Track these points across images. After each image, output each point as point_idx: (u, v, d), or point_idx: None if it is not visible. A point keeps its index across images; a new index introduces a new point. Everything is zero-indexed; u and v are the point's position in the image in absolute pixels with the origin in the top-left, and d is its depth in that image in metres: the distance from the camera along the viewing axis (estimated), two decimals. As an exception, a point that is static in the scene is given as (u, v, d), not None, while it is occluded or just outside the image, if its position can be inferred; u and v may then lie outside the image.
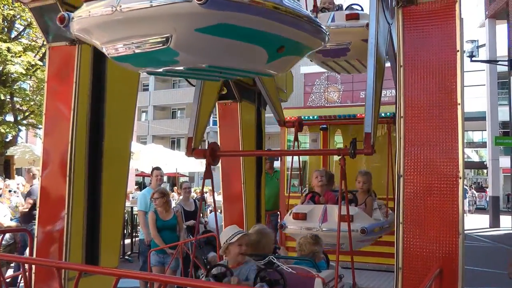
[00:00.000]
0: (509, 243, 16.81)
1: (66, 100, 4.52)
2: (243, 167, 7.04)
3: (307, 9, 5.49)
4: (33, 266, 4.38)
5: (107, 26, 2.72)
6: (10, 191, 9.51)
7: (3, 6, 15.82)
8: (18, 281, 4.39)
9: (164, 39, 2.60)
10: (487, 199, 31.27)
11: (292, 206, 6.71)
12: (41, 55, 17.00)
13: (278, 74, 3.72)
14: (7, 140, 17.56)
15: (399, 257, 3.65)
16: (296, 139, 6.71)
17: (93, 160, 4.67)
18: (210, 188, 21.60)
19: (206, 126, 4.80)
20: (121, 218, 5.37)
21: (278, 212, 8.93)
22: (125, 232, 13.84)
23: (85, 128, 4.57)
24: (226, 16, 2.56)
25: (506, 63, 22.79)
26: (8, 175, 15.35)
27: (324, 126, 9.09)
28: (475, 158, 50.88)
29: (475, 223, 24.61)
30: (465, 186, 28.91)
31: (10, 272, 8.22)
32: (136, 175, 28.63)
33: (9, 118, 17.65)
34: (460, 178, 3.55)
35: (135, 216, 12.99)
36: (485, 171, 44.70)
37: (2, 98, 16.17)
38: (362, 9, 5.68)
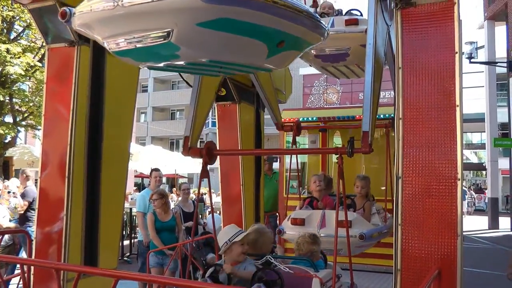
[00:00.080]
0: (508, 245, 16.82)
1: (65, 101, 4.52)
2: (242, 169, 7.04)
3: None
4: (32, 267, 4.38)
5: (109, 21, 2.73)
6: (9, 192, 9.49)
7: (2, 7, 15.83)
8: (17, 282, 4.39)
9: (165, 33, 2.61)
10: (486, 200, 31.28)
11: (291, 207, 6.71)
12: (40, 56, 17.00)
13: (277, 69, 3.72)
14: (6, 141, 17.56)
15: (398, 259, 3.65)
16: (294, 142, 6.71)
17: (92, 161, 4.66)
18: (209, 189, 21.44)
19: (203, 126, 4.79)
20: (120, 219, 5.37)
21: (277, 214, 8.93)
22: (124, 233, 13.82)
23: (84, 129, 4.57)
24: (227, 10, 2.57)
25: (505, 64, 22.83)
26: (7, 176, 15.35)
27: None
28: (474, 159, 50.83)
29: (474, 224, 24.62)
30: (464, 188, 28.97)
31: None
32: (135, 176, 28.61)
33: (8, 119, 17.66)
34: (459, 179, 3.56)
35: (134, 217, 12.97)
36: (484, 172, 44.70)
37: (1, 99, 16.18)
38: (361, 15, 5.69)
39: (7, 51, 15.39)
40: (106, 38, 2.88)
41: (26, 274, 4.16)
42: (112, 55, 4.74)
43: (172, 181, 28.49)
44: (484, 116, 26.96)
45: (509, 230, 21.89)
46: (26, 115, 17.75)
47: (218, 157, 7.30)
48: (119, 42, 2.82)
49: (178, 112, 52.75)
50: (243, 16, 2.62)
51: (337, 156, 3.88)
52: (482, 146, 43.32)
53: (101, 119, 4.75)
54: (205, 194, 20.20)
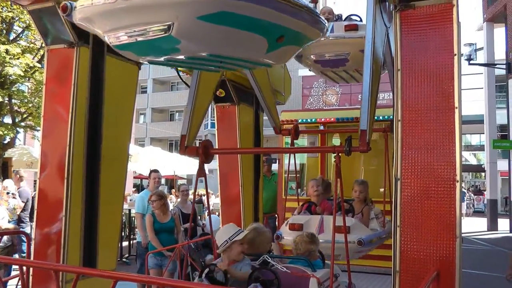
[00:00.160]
0: (507, 246, 16.82)
1: (64, 102, 4.52)
2: (241, 170, 7.05)
3: None
4: (31, 269, 4.37)
5: (110, 14, 2.74)
6: (8, 193, 9.49)
7: (1, 8, 15.82)
8: (16, 283, 4.38)
9: (166, 27, 2.62)
10: (485, 202, 31.31)
11: (289, 208, 6.71)
12: (39, 57, 16.99)
13: (277, 64, 3.72)
14: (5, 142, 17.54)
15: (397, 260, 3.65)
16: (292, 145, 6.70)
17: (91, 162, 4.66)
18: (208, 190, 21.43)
19: (200, 125, 4.79)
20: (119, 220, 5.37)
21: (276, 215, 8.92)
22: (123, 234, 13.81)
23: (83, 130, 4.57)
24: (227, 4, 2.59)
25: (504, 66, 22.86)
26: (6, 177, 15.32)
27: (322, 129, 9.08)
28: (473, 161, 50.91)
29: (473, 226, 24.64)
30: (463, 189, 28.98)
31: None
32: (134, 177, 28.63)
33: (7, 120, 17.63)
34: (458, 181, 3.56)
35: (133, 218, 12.98)
36: (483, 174, 44.72)
37: (0, 100, 16.16)
38: (361, 20, 5.70)
39: (7, 52, 15.38)
40: (107, 32, 2.88)
41: (25, 275, 4.15)
42: (111, 56, 4.80)
43: (171, 182, 28.48)
44: (483, 117, 26.99)
45: (508, 231, 21.90)
46: (25, 116, 17.73)
47: (218, 158, 7.33)
48: (119, 35, 2.83)
49: (177, 113, 52.77)
50: (244, 10, 2.64)
51: (335, 155, 3.89)
52: (481, 148, 43.39)
53: (100, 120, 4.75)
54: (204, 195, 20.20)
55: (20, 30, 17.58)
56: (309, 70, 6.39)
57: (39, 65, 16.17)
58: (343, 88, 38.07)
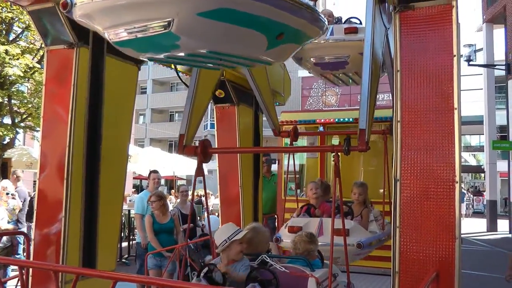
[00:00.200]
0: (507, 247, 16.83)
1: (64, 103, 4.52)
2: (241, 170, 7.05)
3: None
4: (30, 269, 4.37)
5: (110, 11, 2.74)
6: (7, 194, 9.49)
7: (1, 9, 15.80)
8: (15, 284, 4.38)
9: (166, 23, 2.62)
10: (484, 202, 31.32)
11: (288, 209, 6.71)
12: (39, 57, 16.97)
13: (277, 62, 3.72)
14: (5, 142, 17.52)
15: (396, 261, 3.65)
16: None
17: (90, 163, 4.66)
18: (207, 191, 21.48)
19: (199, 125, 4.78)
20: (118, 221, 5.37)
21: (276, 216, 8.93)
22: (122, 235, 13.82)
23: (82, 131, 4.57)
24: (227, 0, 2.60)
25: (503, 67, 22.88)
26: (5, 177, 15.32)
27: (322, 130, 9.09)
28: (472, 162, 50.94)
29: (473, 227, 24.65)
30: (463, 190, 29.01)
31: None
32: (134, 178, 28.63)
33: (7, 120, 17.61)
34: (457, 182, 3.56)
35: (132, 219, 12.98)
36: (482, 175, 44.73)
37: (0, 100, 16.15)
38: (360, 23, 5.71)
39: (6, 52, 15.35)
40: (107, 28, 2.88)
41: (24, 276, 4.15)
42: (111, 56, 4.80)
43: (171, 183, 28.48)
44: (483, 118, 27.01)
45: (508, 232, 21.91)
46: (24, 116, 17.71)
47: (217, 159, 7.33)
48: (119, 32, 2.82)
49: (177, 114, 52.78)
50: (244, 6, 2.64)
51: (334, 154, 3.89)
52: (480, 149, 43.42)
53: (100, 121, 4.75)
54: (203, 196, 20.18)
55: (19, 30, 17.55)
56: (309, 72, 6.39)
57: (38, 66, 16.15)
58: (343, 89, 38.08)
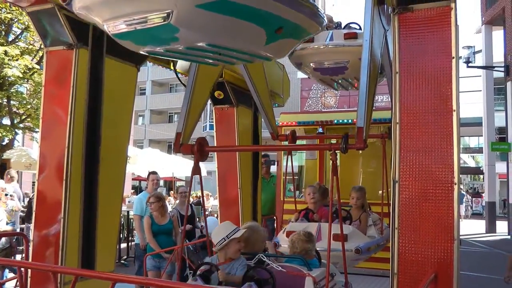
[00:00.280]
0: (505, 249, 16.83)
1: (63, 104, 4.53)
2: (240, 172, 7.05)
3: None
4: (29, 270, 4.37)
5: (109, 2, 2.74)
6: (6, 194, 9.48)
7: (0, 10, 15.80)
8: (14, 285, 4.38)
9: (165, 14, 2.61)
10: (483, 204, 31.35)
11: (287, 210, 6.72)
12: (38, 58, 16.97)
13: (276, 58, 3.71)
14: (4, 143, 17.52)
15: (394, 262, 3.66)
16: (289, 153, 6.70)
17: (89, 164, 4.67)
18: (206, 192, 21.48)
19: (196, 123, 4.76)
20: (117, 222, 5.37)
21: (275, 217, 8.94)
22: (121, 236, 13.81)
23: (82, 132, 4.58)
24: None
25: (502, 69, 22.93)
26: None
27: (321, 131, 9.10)
28: (471, 163, 50.97)
29: (471, 228, 24.66)
30: (462, 192, 29.01)
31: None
32: (133, 179, 28.60)
33: (6, 121, 17.61)
34: (455, 184, 3.57)
35: (131, 220, 12.97)
36: (481, 176, 44.77)
37: (-1, 101, 16.17)
38: (360, 28, 5.72)
39: (5, 53, 15.36)
40: (106, 20, 2.87)
41: (23, 277, 4.16)
42: (110, 58, 4.80)
43: (170, 184, 28.51)
44: (482, 120, 27.04)
45: (507, 234, 21.92)
46: (23, 117, 17.71)
47: (216, 160, 7.34)
48: (119, 24, 2.81)
49: (176, 115, 52.68)
50: None
51: (331, 152, 3.89)
52: (479, 150, 43.43)
53: (99, 122, 4.76)
54: (204, 198, 20.15)
55: (19, 31, 17.55)
56: (308, 77, 6.41)
57: (38, 67, 16.15)
58: (342, 90, 38.08)
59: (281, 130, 9.10)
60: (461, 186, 36.80)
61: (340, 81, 6.21)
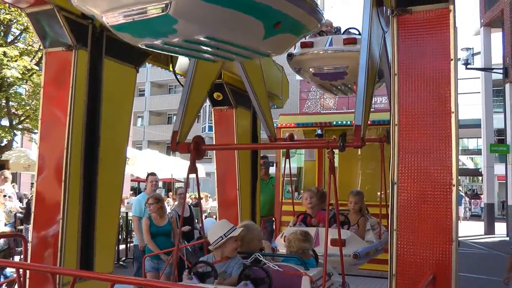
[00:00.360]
0: (504, 250, 16.83)
1: (62, 105, 4.53)
2: (238, 173, 7.05)
3: None
4: (27, 271, 4.37)
5: None
6: (5, 196, 9.48)
7: (-1, 10, 15.81)
8: (13, 286, 4.39)
9: (164, 5, 2.61)
10: (482, 205, 31.36)
11: (285, 212, 6.71)
12: (37, 59, 16.98)
13: (274, 54, 3.70)
14: (2, 144, 17.53)
15: (393, 264, 3.66)
16: (287, 156, 6.69)
17: (88, 165, 4.67)
18: (205, 194, 21.43)
19: (193, 122, 4.75)
20: (116, 223, 5.37)
21: (273, 219, 8.94)
22: (120, 237, 13.81)
23: (81, 133, 4.58)
24: None
25: (501, 71, 22.94)
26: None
27: (320, 132, 9.11)
28: (470, 165, 51.02)
29: (470, 230, 24.67)
30: (461, 193, 28.98)
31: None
32: (132, 180, 28.59)
33: (5, 122, 17.60)
34: (454, 185, 3.57)
35: (130, 221, 12.98)
36: (480, 178, 44.81)
37: (-2, 102, 16.17)
38: (359, 34, 5.73)
39: (4, 54, 15.36)
40: (105, 12, 2.86)
41: (21, 278, 4.16)
42: (109, 59, 4.81)
43: (169, 185, 28.50)
44: (481, 122, 27.06)
45: (505, 235, 21.92)
46: (22, 118, 17.71)
47: (215, 161, 7.34)
48: (117, 15, 2.81)
49: (175, 117, 52.59)
50: None
51: (328, 150, 3.89)
52: (478, 152, 43.44)
53: (98, 123, 4.75)
54: (201, 198, 20.15)
55: (18, 32, 17.55)
56: (308, 82, 6.42)
57: (36, 68, 16.15)
58: (341, 91, 38.02)
59: (280, 131, 9.12)
60: (460, 188, 36.80)
61: (339, 86, 6.22)
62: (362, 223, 5.95)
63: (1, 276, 8.33)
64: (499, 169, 27.50)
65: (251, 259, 3.99)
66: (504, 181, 24.29)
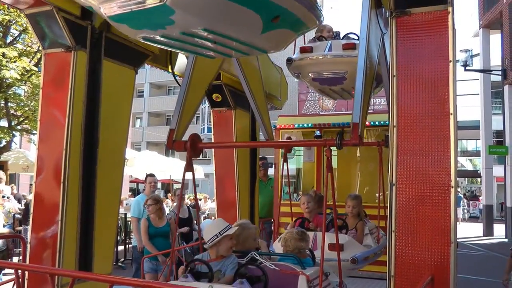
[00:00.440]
0: (503, 252, 16.84)
1: (61, 106, 4.53)
2: (237, 174, 7.05)
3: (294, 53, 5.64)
4: (26, 272, 4.36)
5: None
6: (3, 196, 9.47)
7: (-1, 11, 15.81)
8: (11, 287, 4.37)
9: None
10: (481, 207, 31.38)
11: (283, 213, 6.71)
12: (36, 60, 16.98)
13: (272, 50, 3.68)
14: (1, 145, 17.52)
15: (391, 265, 3.67)
16: (285, 159, 6.70)
17: (87, 166, 4.66)
18: (204, 195, 21.37)
19: (190, 121, 4.74)
20: (114, 224, 5.36)
21: (272, 220, 8.94)
22: (119, 238, 13.80)
23: (80, 134, 4.57)
24: None
25: (499, 72, 22.96)
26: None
27: (319, 134, 9.12)
28: (469, 166, 51.02)
29: (469, 231, 24.68)
30: (459, 195, 28.95)
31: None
32: (130, 181, 28.57)
33: (3, 123, 17.60)
34: (452, 187, 3.58)
35: (129, 222, 12.97)
36: (479, 179, 44.82)
37: (-3, 103, 16.17)
38: (358, 39, 5.74)
39: (3, 55, 15.36)
40: (102, 2, 2.86)
41: (20, 279, 4.15)
42: (108, 60, 4.81)
43: (167, 186, 28.43)
44: (479, 123, 27.08)
45: (504, 237, 21.93)
46: (21, 119, 17.71)
47: (214, 162, 7.34)
48: (114, 6, 2.80)
49: (174, 117, 52.62)
50: None
51: (326, 148, 3.89)
52: (477, 154, 43.49)
53: (97, 124, 4.75)
54: (200, 199, 20.17)
55: (17, 33, 17.56)
56: (307, 87, 6.42)
57: (35, 69, 16.15)
58: (340, 93, 37.96)
59: (278, 133, 9.13)
60: (459, 189, 36.81)
61: (338, 91, 6.22)
62: (360, 227, 5.94)
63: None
64: (498, 170, 27.51)
65: (247, 258, 3.97)
66: (503, 183, 24.32)
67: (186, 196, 16.92)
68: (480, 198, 34.34)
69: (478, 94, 27.79)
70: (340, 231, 5.38)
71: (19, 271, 3.83)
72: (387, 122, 5.49)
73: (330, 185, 3.90)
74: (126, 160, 5.75)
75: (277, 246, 5.51)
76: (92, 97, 4.69)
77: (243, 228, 4.35)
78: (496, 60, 25.84)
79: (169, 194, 20.21)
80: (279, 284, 3.75)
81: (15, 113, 17.70)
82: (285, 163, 6.43)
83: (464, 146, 49.19)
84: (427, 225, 3.59)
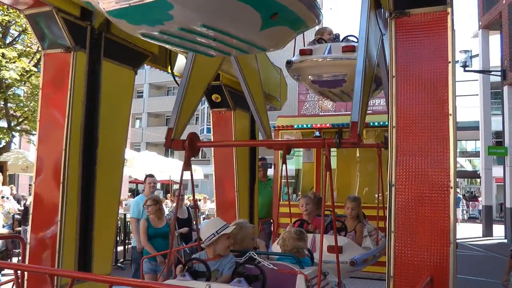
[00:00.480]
0: (502, 252, 16.84)
1: (60, 107, 4.53)
2: (237, 175, 7.06)
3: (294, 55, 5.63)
4: (26, 273, 4.36)
5: None
6: (2, 197, 9.47)
7: (-2, 12, 15.81)
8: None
9: None
10: (480, 208, 31.39)
11: (282, 214, 6.70)
12: (35, 61, 16.98)
13: (271, 48, 3.67)
14: (1, 146, 17.51)
15: (391, 266, 3.67)
16: (284, 161, 6.69)
17: (86, 167, 4.66)
18: (204, 195, 21.36)
19: (188, 121, 4.74)
20: (114, 225, 5.37)
21: (271, 220, 8.94)
22: (118, 239, 13.79)
23: (79, 135, 4.58)
24: None
25: (499, 73, 22.97)
26: (0, 181, 15.27)
27: (318, 134, 9.12)
28: (468, 167, 51.02)
29: (468, 232, 24.69)
30: (459, 195, 28.91)
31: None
32: (130, 182, 28.57)
33: (3, 124, 17.60)
34: (452, 188, 3.58)
35: (128, 223, 12.96)
36: (478, 180, 44.83)
37: (-4, 103, 16.17)
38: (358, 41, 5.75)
39: (3, 55, 15.36)
40: None
41: (20, 280, 4.15)
42: (108, 61, 4.81)
43: (167, 187, 28.43)
44: (479, 124, 27.09)
45: (503, 238, 21.93)
46: (20, 120, 17.71)
47: (213, 162, 7.35)
48: (113, 1, 2.79)
49: (173, 118, 52.55)
50: None
51: (325, 148, 3.89)
52: (476, 154, 43.50)
53: (96, 125, 4.76)
54: (199, 200, 20.17)
55: (16, 34, 17.56)
56: (307, 89, 6.43)
57: (35, 69, 16.14)
58: (339, 93, 37.95)
59: (278, 133, 9.13)
60: (458, 190, 36.81)
61: (338, 93, 6.22)
62: (359, 229, 5.93)
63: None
64: (497, 171, 27.53)
65: (245, 257, 3.96)
66: (502, 183, 24.33)
67: (186, 197, 16.91)
68: (480, 198, 34.35)
69: (478, 94, 27.80)
70: (339, 233, 5.37)
71: (19, 271, 3.83)
72: (387, 123, 5.49)
73: (328, 185, 3.89)
74: (125, 161, 5.75)
75: (276, 248, 5.51)
76: (91, 97, 4.69)
77: (241, 227, 4.35)
78: (495, 60, 25.85)
79: (169, 195, 20.21)
80: (277, 283, 3.74)
81: (14, 114, 17.70)
82: (283, 165, 6.43)
83: (463, 146, 49.19)
84: (426, 225, 3.60)
